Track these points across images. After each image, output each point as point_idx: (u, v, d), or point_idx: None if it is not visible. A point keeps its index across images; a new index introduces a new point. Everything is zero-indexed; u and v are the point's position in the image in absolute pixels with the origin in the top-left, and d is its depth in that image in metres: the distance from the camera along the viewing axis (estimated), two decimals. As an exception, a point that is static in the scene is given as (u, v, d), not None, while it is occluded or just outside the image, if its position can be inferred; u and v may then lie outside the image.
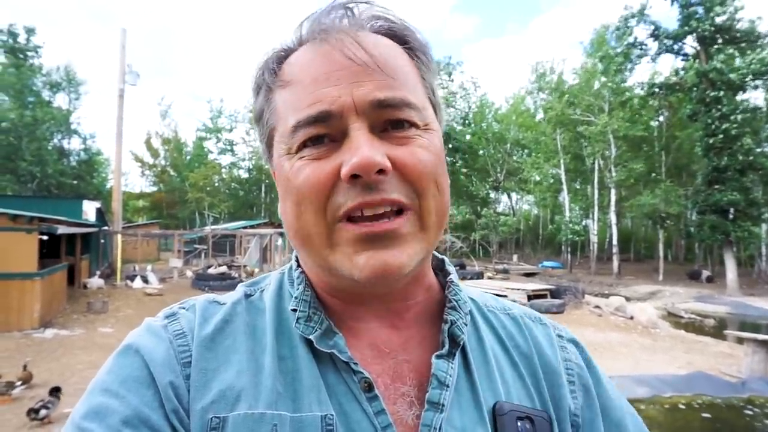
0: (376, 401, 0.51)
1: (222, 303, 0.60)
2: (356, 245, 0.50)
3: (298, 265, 0.61)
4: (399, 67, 0.53)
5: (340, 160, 0.49)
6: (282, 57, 0.56)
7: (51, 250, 14.21)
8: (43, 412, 5.15)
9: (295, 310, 0.56)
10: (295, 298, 0.57)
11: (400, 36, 0.56)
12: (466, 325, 0.58)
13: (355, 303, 0.57)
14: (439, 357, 0.55)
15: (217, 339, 0.55)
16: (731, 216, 24.76)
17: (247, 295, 0.62)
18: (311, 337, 0.53)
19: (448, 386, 0.53)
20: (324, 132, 0.50)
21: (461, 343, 0.56)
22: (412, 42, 0.56)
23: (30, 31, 36.97)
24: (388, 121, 0.51)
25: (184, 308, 0.59)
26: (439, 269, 0.65)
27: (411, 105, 0.52)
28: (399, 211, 0.50)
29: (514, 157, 45.53)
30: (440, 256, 0.65)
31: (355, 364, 0.52)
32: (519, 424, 0.54)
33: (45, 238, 11.85)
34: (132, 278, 17.39)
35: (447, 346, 0.55)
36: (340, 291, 0.56)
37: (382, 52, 0.52)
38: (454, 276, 0.63)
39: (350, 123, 0.50)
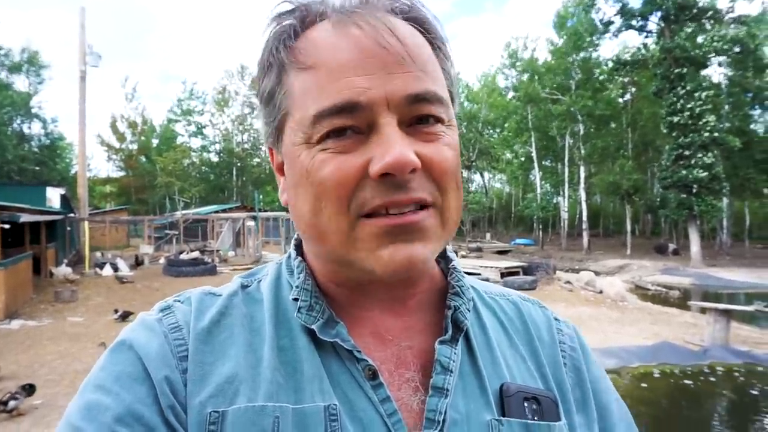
0: (381, 389, 0.50)
1: (218, 294, 0.59)
2: (380, 239, 0.48)
3: (297, 254, 0.60)
4: (428, 58, 0.51)
5: (368, 156, 0.47)
6: (298, 31, 0.52)
7: (14, 239, 13.76)
8: (11, 403, 5.05)
9: (296, 300, 0.55)
10: (296, 287, 0.56)
11: (423, 25, 0.53)
12: (469, 311, 0.58)
13: (358, 291, 0.56)
14: (442, 342, 0.54)
15: (213, 332, 0.54)
16: (694, 191, 25.56)
17: (244, 286, 0.60)
18: (313, 326, 0.53)
19: (451, 371, 0.53)
20: (349, 124, 0.48)
21: (464, 328, 0.56)
22: (433, 32, 0.54)
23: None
24: (417, 116, 0.49)
25: (179, 301, 0.58)
26: (441, 256, 0.64)
27: (441, 101, 0.51)
28: (422, 206, 0.49)
29: (485, 136, 45.76)
30: None
31: (359, 351, 0.52)
32: (526, 404, 0.54)
33: (7, 227, 11.46)
34: (101, 266, 17.03)
35: (450, 332, 0.55)
36: (348, 280, 0.55)
37: (416, 42, 0.50)
38: (456, 262, 0.63)
39: (380, 117, 0.47)
